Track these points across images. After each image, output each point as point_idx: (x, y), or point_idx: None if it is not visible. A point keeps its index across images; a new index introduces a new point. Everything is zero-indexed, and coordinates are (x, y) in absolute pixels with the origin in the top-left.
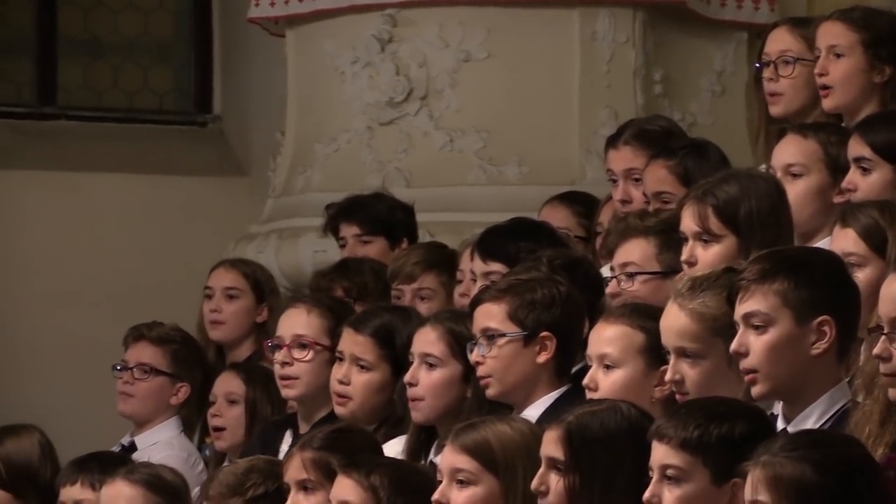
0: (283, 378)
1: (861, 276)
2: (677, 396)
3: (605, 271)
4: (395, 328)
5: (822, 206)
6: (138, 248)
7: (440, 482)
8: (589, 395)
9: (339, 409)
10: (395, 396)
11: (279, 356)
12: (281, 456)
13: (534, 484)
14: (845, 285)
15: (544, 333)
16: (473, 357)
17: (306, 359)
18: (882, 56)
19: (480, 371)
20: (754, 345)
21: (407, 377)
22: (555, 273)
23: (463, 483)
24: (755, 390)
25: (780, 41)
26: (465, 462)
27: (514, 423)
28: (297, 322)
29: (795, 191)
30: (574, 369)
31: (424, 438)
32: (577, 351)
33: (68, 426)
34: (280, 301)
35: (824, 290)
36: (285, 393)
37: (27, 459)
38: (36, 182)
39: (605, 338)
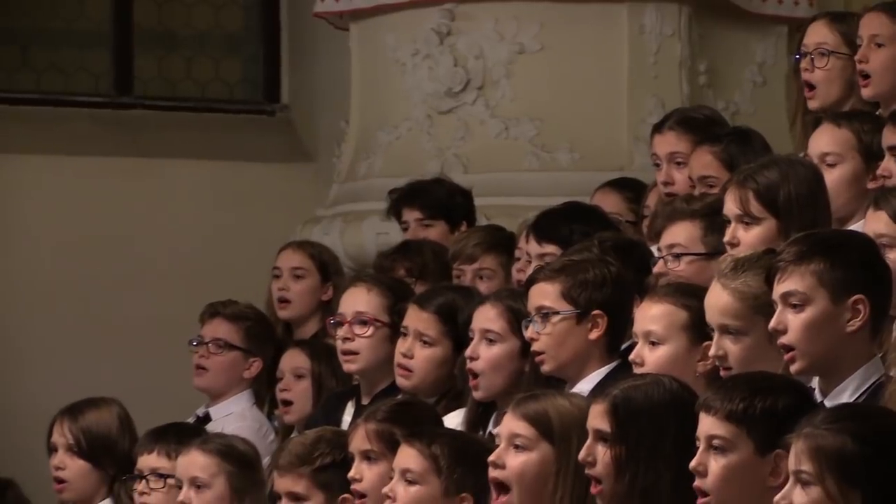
0: (345, 353)
1: (893, 257)
2: (721, 371)
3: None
4: (457, 306)
5: (857, 191)
6: (211, 230)
7: (498, 446)
8: (636, 370)
9: (401, 382)
10: (456, 371)
11: (341, 332)
12: (343, 425)
13: (581, 455)
14: (878, 266)
15: (596, 311)
16: (528, 334)
17: (366, 335)
18: None
19: (535, 347)
20: (792, 323)
21: (468, 352)
22: (605, 254)
23: (519, 448)
24: (794, 367)
25: (818, 34)
26: (523, 428)
27: (572, 398)
28: (358, 300)
29: (831, 178)
30: (623, 346)
31: (482, 412)
32: (627, 328)
33: (146, 398)
34: (344, 281)
35: (858, 271)
36: (346, 367)
37: (106, 431)
38: (113, 168)
39: (651, 316)
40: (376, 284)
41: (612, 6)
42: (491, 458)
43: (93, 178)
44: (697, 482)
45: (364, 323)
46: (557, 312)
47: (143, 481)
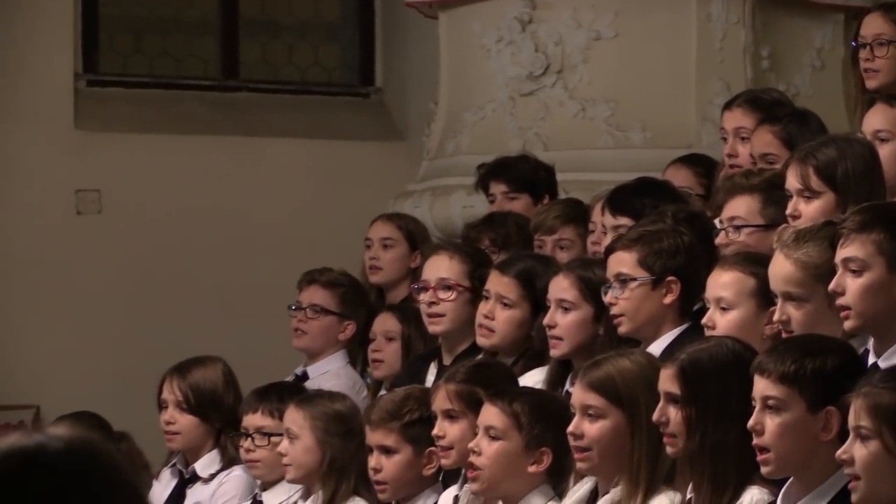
0: (430, 316)
1: None
2: (783, 334)
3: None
4: (536, 272)
5: None
6: (309, 204)
7: (573, 415)
8: (708, 332)
9: (482, 341)
10: (533, 333)
11: (425, 297)
12: (427, 385)
13: (655, 416)
14: None
15: (670, 278)
16: (608, 299)
17: (450, 299)
18: None
19: (614, 311)
20: (850, 286)
21: (546, 320)
22: (679, 225)
23: (593, 417)
24: (847, 325)
25: (875, 25)
26: (593, 399)
27: (633, 356)
28: (440, 266)
29: (883, 153)
30: (695, 307)
31: (562, 371)
32: (699, 293)
33: (250, 358)
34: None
35: None
36: (432, 329)
37: (212, 387)
38: (220, 146)
39: (721, 283)
40: (457, 252)
41: None
42: (570, 428)
43: (200, 156)
44: (756, 440)
45: (447, 288)
46: (634, 279)
47: (249, 439)
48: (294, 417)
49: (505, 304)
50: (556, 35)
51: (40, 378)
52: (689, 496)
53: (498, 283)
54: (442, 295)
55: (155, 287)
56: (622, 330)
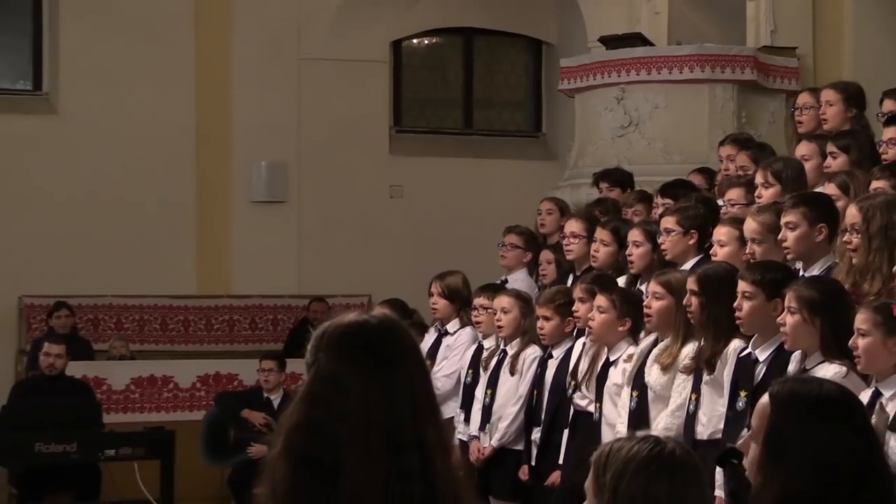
0: (567, 251)
1: (840, 204)
2: (751, 260)
3: None
4: (620, 227)
5: (819, 174)
6: (508, 192)
7: (646, 298)
8: (713, 259)
9: (594, 263)
10: (619, 259)
11: (564, 241)
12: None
13: (685, 301)
14: (833, 210)
15: (693, 231)
16: (660, 241)
17: (576, 242)
18: (852, 105)
19: (662, 248)
20: (789, 237)
21: (627, 252)
22: (698, 203)
23: (657, 298)
24: (788, 257)
25: (803, 98)
26: (659, 289)
27: (682, 272)
28: (573, 225)
29: (807, 167)
30: (706, 245)
31: (634, 280)
32: (708, 238)
33: (479, 270)
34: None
35: (823, 212)
36: (568, 257)
37: (457, 286)
38: (463, 164)
39: (721, 232)
40: (580, 217)
41: (700, 86)
42: (644, 304)
43: (453, 168)
44: (738, 314)
45: (575, 236)
46: (673, 231)
47: (476, 311)
48: (509, 301)
49: (604, 244)
50: (635, 105)
51: (370, 278)
52: (701, 344)
53: (601, 233)
54: (572, 240)
55: (430, 235)
56: (667, 258)
